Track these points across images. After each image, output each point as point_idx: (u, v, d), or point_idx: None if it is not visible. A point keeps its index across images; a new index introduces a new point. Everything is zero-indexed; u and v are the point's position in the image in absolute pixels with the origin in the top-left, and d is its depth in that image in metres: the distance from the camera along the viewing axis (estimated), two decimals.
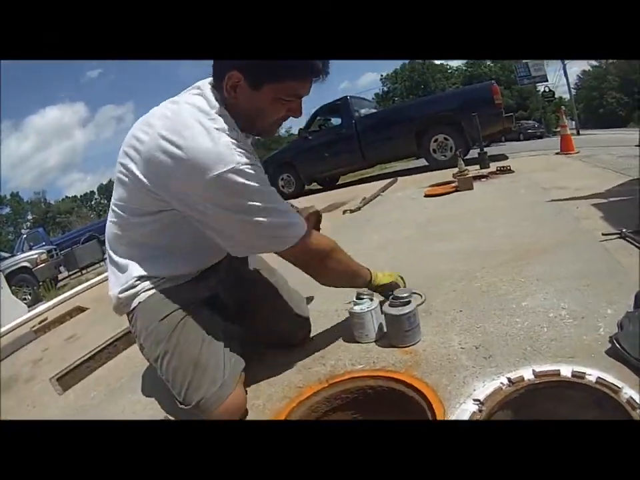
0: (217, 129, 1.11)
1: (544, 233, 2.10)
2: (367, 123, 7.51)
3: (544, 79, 19.34)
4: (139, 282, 1.30)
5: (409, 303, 1.31)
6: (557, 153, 5.88)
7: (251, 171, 1.11)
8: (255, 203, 1.14)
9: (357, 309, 1.41)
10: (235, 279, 1.51)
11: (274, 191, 1.21)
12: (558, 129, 8.23)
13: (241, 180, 1.09)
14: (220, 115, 1.14)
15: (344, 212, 4.45)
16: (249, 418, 1.24)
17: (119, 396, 1.73)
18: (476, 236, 2.40)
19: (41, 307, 4.78)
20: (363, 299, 1.42)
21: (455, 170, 4.30)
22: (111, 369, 2.14)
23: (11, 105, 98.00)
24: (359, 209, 4.40)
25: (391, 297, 1.34)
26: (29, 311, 4.98)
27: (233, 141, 1.12)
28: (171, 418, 1.35)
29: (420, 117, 6.85)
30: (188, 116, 1.12)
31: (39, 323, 3.87)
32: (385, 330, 1.41)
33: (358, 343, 1.45)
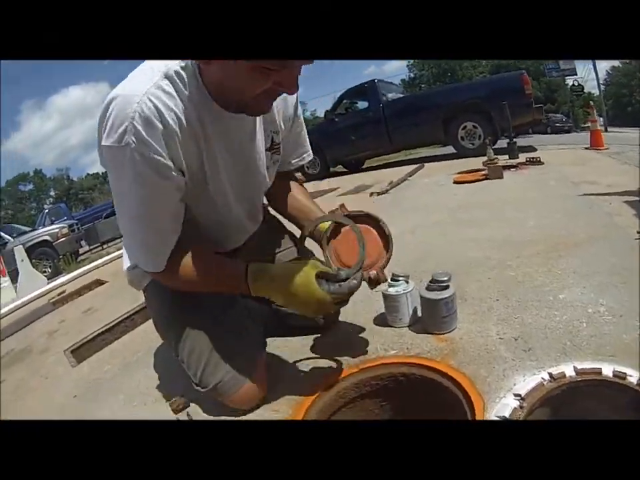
0: (150, 98, 0.89)
1: (576, 227, 2.02)
2: (394, 107, 7.37)
3: (573, 72, 18.69)
4: None
5: (447, 287, 1.23)
6: (585, 148, 5.68)
7: (139, 159, 0.90)
8: (126, 200, 0.99)
9: (391, 290, 1.33)
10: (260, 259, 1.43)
11: (163, 205, 1.01)
12: (587, 125, 7.98)
13: (127, 163, 0.91)
14: (180, 83, 0.93)
15: (371, 194, 4.37)
16: (271, 403, 1.18)
17: (134, 370, 1.70)
18: (507, 225, 2.32)
19: (60, 280, 4.85)
20: (398, 280, 1.34)
21: (482, 159, 4.21)
22: (127, 342, 2.13)
23: (34, 84, 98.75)
24: (386, 191, 4.31)
25: (429, 280, 1.26)
26: (49, 284, 5.01)
27: (157, 117, 0.90)
28: (185, 401, 1.30)
29: (448, 103, 6.69)
30: (139, 75, 0.94)
31: (58, 295, 3.91)
32: (420, 315, 1.34)
33: (390, 327, 1.38)
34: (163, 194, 0.99)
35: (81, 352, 2.08)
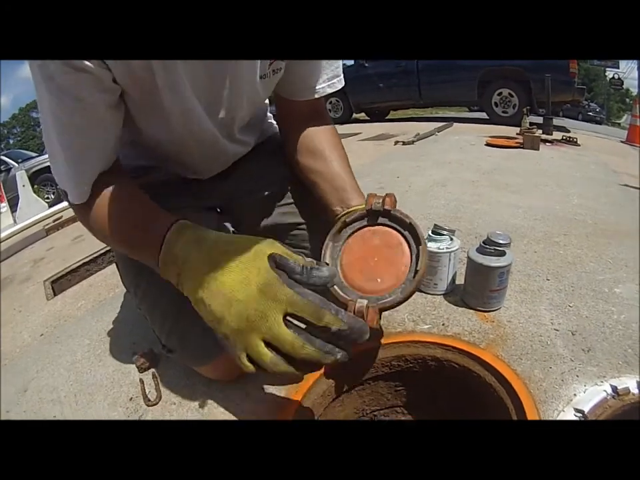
0: None
1: (623, 217, 1.77)
2: (429, 61, 6.80)
3: (615, 65, 17.70)
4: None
5: (504, 253, 0.94)
6: (621, 141, 5.29)
7: (64, 83, 0.63)
8: (44, 117, 0.71)
9: (431, 246, 1.01)
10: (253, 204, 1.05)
11: (87, 126, 0.69)
12: (620, 120, 7.51)
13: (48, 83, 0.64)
14: None
15: (396, 142, 4.01)
16: (268, 380, 0.91)
17: (107, 309, 1.48)
18: (549, 197, 2.03)
19: (58, 206, 4.67)
20: (441, 234, 1.03)
21: (514, 129, 3.94)
22: (108, 275, 1.94)
23: None
24: (412, 142, 3.96)
25: (482, 241, 0.96)
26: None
27: None
28: (151, 358, 1.06)
29: (487, 66, 6.12)
30: None
31: (53, 222, 3.79)
32: (462, 283, 1.05)
33: (423, 292, 1.10)
34: (86, 111, 0.68)
35: (61, 283, 1.98)
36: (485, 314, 0.98)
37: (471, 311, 1.00)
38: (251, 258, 0.56)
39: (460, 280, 1.08)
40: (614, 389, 0.77)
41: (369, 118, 8.59)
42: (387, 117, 8.58)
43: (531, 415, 0.70)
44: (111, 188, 0.74)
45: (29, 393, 1.06)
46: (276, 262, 0.57)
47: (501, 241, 0.94)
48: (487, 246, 0.94)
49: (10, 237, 3.87)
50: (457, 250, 1.02)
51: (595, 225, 1.63)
